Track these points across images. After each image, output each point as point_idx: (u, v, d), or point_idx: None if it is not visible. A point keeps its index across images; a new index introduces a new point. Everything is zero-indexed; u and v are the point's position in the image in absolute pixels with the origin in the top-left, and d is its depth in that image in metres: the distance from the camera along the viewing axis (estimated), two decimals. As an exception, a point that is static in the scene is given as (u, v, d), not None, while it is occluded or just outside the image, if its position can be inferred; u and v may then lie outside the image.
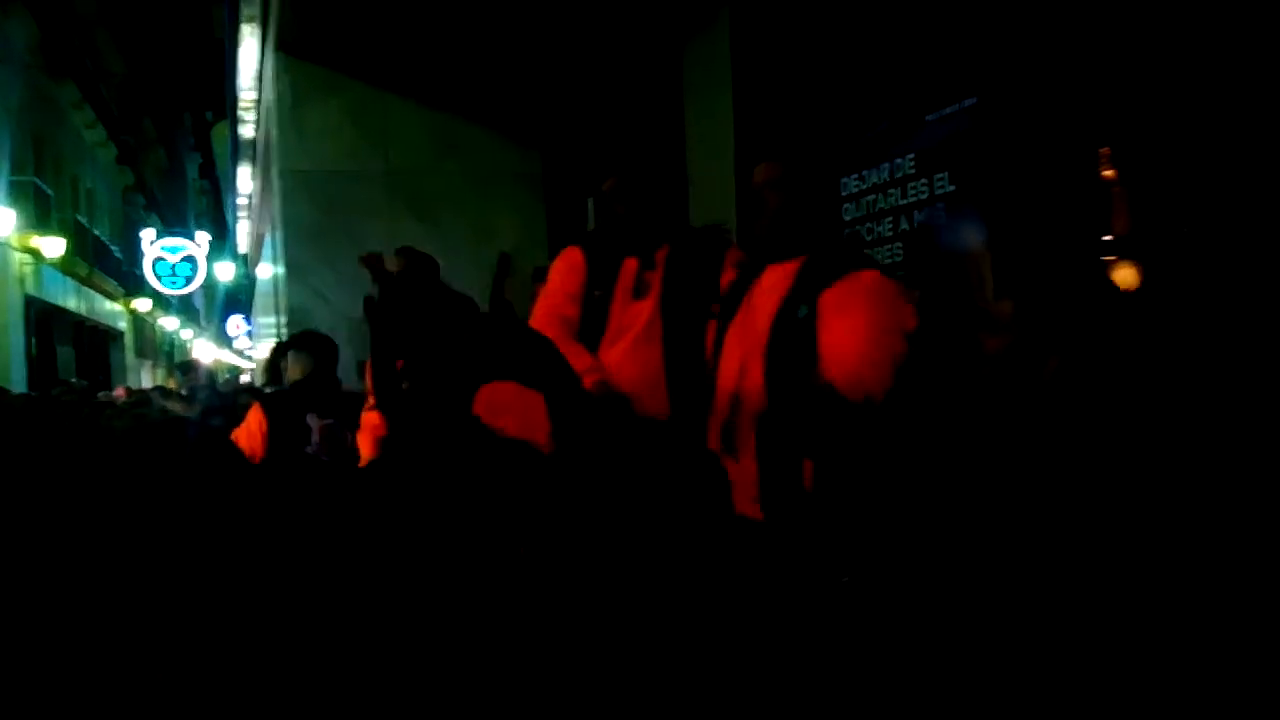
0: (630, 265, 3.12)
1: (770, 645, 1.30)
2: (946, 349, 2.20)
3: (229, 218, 19.99)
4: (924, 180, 3.68)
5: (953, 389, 2.14)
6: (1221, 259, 2.59)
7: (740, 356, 2.59)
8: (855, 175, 4.01)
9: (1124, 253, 2.86)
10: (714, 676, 1.17)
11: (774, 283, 2.61)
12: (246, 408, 4.98)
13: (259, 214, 12.63)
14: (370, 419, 3.80)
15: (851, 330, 2.40)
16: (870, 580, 2.20)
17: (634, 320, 2.99)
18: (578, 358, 2.83)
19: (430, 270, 3.76)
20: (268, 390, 4.49)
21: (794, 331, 2.47)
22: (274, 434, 4.00)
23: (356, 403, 4.29)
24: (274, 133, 7.16)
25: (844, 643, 2.02)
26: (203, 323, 33.50)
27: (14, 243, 15.37)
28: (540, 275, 3.77)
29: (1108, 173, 2.96)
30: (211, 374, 24.49)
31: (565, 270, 3.14)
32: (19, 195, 15.63)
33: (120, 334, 23.60)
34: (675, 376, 2.87)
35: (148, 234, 23.93)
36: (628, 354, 2.95)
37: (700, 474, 1.28)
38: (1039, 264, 2.97)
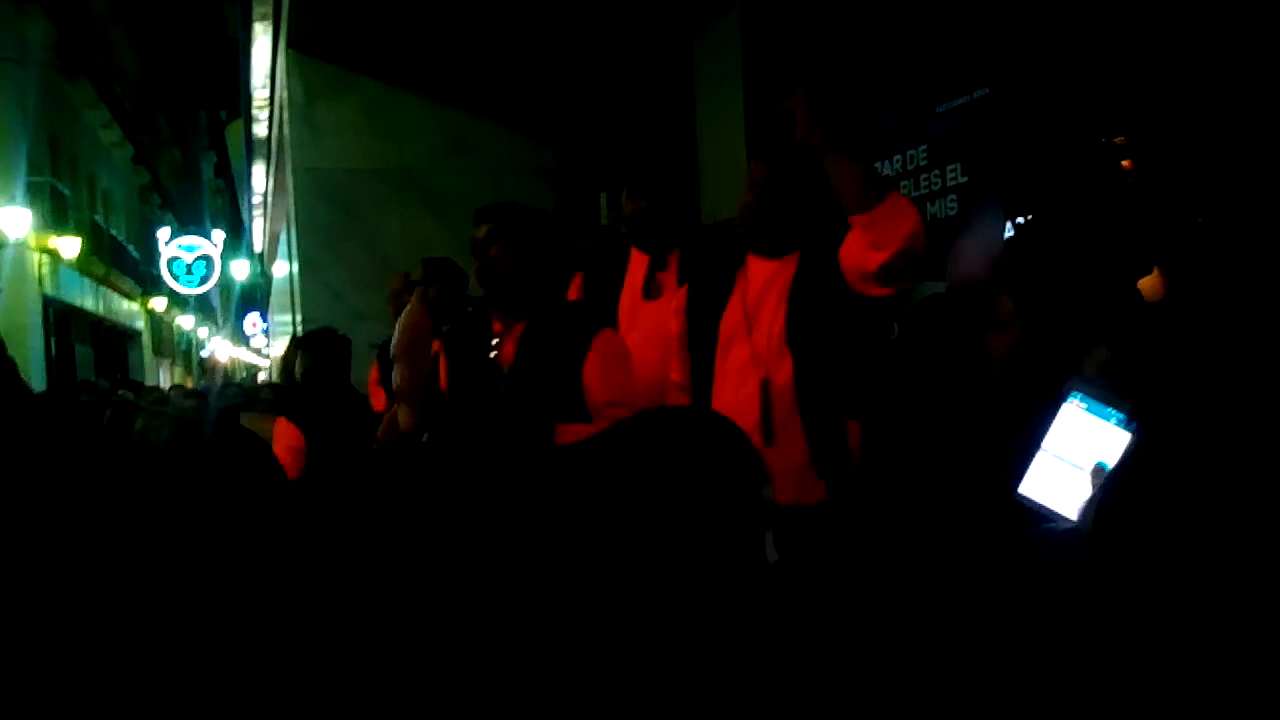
0: (640, 261, 3.10)
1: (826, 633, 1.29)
2: (958, 346, 2.19)
3: (244, 216, 20.05)
4: (937, 171, 3.66)
5: (961, 390, 2.13)
6: (1237, 250, 2.56)
7: (752, 346, 2.57)
8: (867, 167, 3.99)
9: (1140, 245, 2.83)
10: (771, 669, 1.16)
11: (770, 274, 2.60)
12: (268, 402, 5.00)
13: (273, 212, 12.67)
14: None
15: None
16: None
17: (655, 324, 2.95)
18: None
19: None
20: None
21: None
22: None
23: (360, 402, 4.28)
24: (287, 131, 7.18)
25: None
26: (219, 321, 33.66)
27: (31, 243, 15.44)
28: None
29: (1123, 163, 2.93)
30: (227, 372, 24.62)
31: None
32: (36, 195, 15.69)
33: (138, 333, 23.72)
34: (700, 381, 2.81)
35: (164, 233, 24.02)
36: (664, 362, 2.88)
37: (743, 460, 1.24)
38: (1053, 257, 2.94)
